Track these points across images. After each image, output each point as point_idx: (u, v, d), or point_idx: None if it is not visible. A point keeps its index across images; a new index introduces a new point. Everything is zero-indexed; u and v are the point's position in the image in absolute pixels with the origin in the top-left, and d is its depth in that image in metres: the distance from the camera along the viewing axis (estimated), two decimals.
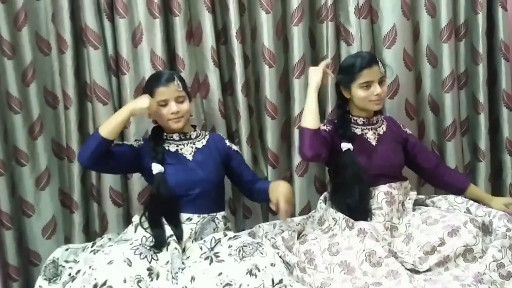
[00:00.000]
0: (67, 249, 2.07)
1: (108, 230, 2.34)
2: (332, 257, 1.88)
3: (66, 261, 2.02)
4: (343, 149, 2.08)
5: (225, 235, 2.01)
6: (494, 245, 1.84)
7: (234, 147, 2.21)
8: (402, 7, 2.44)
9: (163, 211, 1.98)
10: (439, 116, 2.56)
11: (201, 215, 2.02)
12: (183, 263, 1.87)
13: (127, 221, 2.34)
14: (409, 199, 2.15)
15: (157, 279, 1.80)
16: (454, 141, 2.53)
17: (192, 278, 1.79)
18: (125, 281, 1.70)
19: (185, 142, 2.10)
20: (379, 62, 2.11)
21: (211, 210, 2.05)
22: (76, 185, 2.37)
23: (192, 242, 1.99)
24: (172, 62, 2.39)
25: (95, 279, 1.70)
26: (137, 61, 2.34)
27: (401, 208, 2.10)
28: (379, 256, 1.83)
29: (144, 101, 1.98)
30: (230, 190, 2.43)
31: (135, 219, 2.06)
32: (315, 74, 2.09)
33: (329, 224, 2.06)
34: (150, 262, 1.82)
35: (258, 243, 1.87)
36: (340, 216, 2.01)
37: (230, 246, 1.87)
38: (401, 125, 2.29)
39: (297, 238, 2.05)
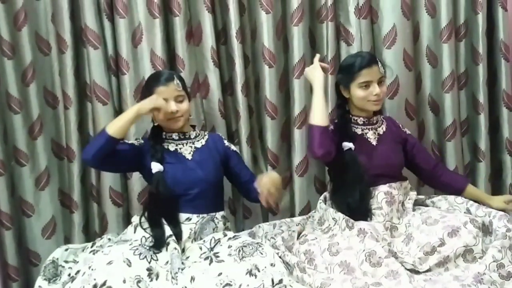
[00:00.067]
0: (66, 249, 2.07)
1: (108, 230, 2.34)
2: (332, 257, 1.88)
3: (66, 261, 2.02)
4: (345, 149, 2.07)
5: (225, 235, 2.01)
6: (494, 246, 1.84)
7: (233, 147, 2.21)
8: (402, 7, 2.43)
9: (162, 210, 1.98)
10: (439, 116, 2.56)
11: (200, 215, 2.02)
12: (182, 263, 1.87)
13: (127, 221, 2.34)
14: (409, 199, 2.15)
15: (156, 279, 1.79)
16: (454, 141, 2.52)
17: (192, 278, 1.78)
18: (124, 281, 1.70)
19: (184, 141, 2.10)
20: (379, 62, 2.11)
21: (210, 210, 2.05)
22: (76, 185, 2.37)
23: (192, 242, 1.99)
24: (172, 62, 2.39)
25: (94, 279, 1.70)
26: (137, 61, 2.34)
27: (401, 208, 2.10)
28: (379, 256, 1.83)
29: (152, 97, 1.97)
30: (230, 190, 2.43)
31: (135, 219, 2.06)
32: (315, 70, 2.10)
33: (329, 224, 2.06)
34: (149, 262, 1.82)
35: (258, 243, 1.87)
36: (340, 216, 2.01)
37: (230, 246, 1.87)
38: (400, 125, 2.29)
39: (297, 238, 2.05)
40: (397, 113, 2.45)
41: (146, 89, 2.08)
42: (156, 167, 2.00)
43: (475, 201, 2.12)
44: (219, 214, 2.08)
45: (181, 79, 2.09)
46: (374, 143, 2.15)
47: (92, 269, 1.73)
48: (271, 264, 1.77)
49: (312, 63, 2.46)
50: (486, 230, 1.95)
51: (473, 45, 2.54)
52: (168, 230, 1.94)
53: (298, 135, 2.43)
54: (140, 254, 1.82)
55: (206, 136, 2.16)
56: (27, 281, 2.39)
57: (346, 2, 2.44)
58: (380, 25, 2.47)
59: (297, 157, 2.44)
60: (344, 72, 2.13)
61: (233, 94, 2.44)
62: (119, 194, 2.38)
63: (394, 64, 2.44)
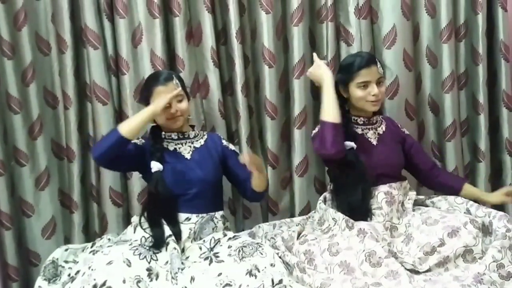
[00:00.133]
0: (66, 250, 2.07)
1: (108, 231, 2.34)
2: (332, 257, 1.88)
3: (66, 262, 2.03)
4: (347, 148, 2.07)
5: (225, 235, 2.01)
6: (494, 246, 1.84)
7: (232, 146, 2.20)
8: (402, 7, 2.43)
9: (162, 210, 1.98)
10: (439, 117, 2.56)
11: (200, 215, 2.02)
12: (182, 263, 1.87)
13: (126, 221, 2.34)
14: (408, 199, 2.15)
15: (156, 279, 1.80)
16: (454, 141, 2.52)
17: (192, 279, 1.78)
18: (124, 281, 1.70)
19: (184, 141, 2.10)
20: (378, 63, 2.11)
21: (210, 209, 2.05)
22: (75, 185, 2.37)
23: (191, 242, 1.99)
24: (172, 63, 2.39)
25: (94, 279, 1.70)
26: (137, 61, 2.34)
27: (401, 208, 2.10)
28: (379, 257, 1.83)
29: (163, 97, 1.97)
30: (230, 190, 2.43)
31: (135, 219, 2.07)
32: (320, 68, 2.08)
33: (329, 225, 2.06)
34: (149, 263, 1.82)
35: (258, 243, 1.87)
36: (340, 216, 2.01)
37: (229, 247, 1.87)
38: (399, 125, 2.29)
39: (297, 239, 2.05)
40: (397, 114, 2.45)
41: (145, 89, 2.08)
42: (155, 166, 2.00)
43: (475, 201, 2.12)
44: (218, 214, 2.08)
45: (180, 79, 2.09)
46: (375, 142, 2.15)
47: (92, 269, 1.74)
48: (271, 264, 1.77)
49: (312, 62, 2.46)
50: (486, 230, 1.95)
51: (473, 45, 2.54)
52: (167, 230, 1.94)
53: (298, 135, 2.43)
54: (140, 254, 1.82)
55: (205, 136, 2.16)
56: (27, 281, 2.39)
57: (346, 2, 2.44)
58: (380, 25, 2.47)
59: (297, 157, 2.44)
60: (343, 72, 2.13)
61: (233, 94, 2.44)
62: (119, 194, 2.38)
63: (394, 64, 2.44)
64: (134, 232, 2.00)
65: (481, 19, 2.49)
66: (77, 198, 2.37)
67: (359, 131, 2.15)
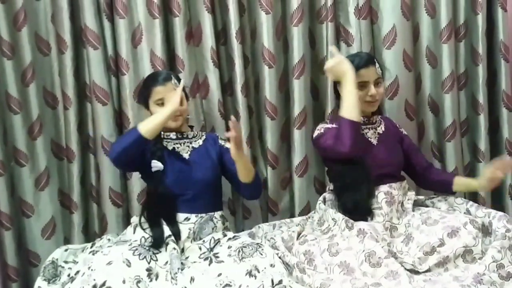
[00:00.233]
0: (66, 250, 2.07)
1: (108, 231, 2.34)
2: (332, 257, 1.88)
3: (66, 262, 2.03)
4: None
5: (225, 235, 2.01)
6: (494, 246, 1.84)
7: (228, 144, 2.18)
8: (402, 7, 2.43)
9: (161, 210, 1.98)
10: (438, 117, 2.56)
11: (199, 215, 2.02)
12: (182, 263, 1.87)
13: (126, 221, 2.34)
14: (408, 200, 2.15)
15: (156, 279, 1.80)
16: (454, 141, 2.52)
17: (192, 279, 1.78)
18: (124, 281, 1.70)
19: (182, 141, 2.10)
20: (376, 63, 2.11)
21: (209, 209, 2.05)
22: (75, 186, 2.37)
23: (191, 242, 1.99)
24: (172, 63, 2.39)
25: (94, 279, 1.70)
26: (137, 62, 2.34)
27: (400, 209, 2.10)
28: (379, 257, 1.83)
29: (174, 94, 1.97)
30: (230, 191, 2.43)
31: (134, 220, 2.07)
32: (344, 64, 1.99)
33: (329, 225, 2.06)
34: (149, 263, 1.82)
35: (257, 243, 1.87)
36: (339, 216, 2.01)
37: (229, 247, 1.87)
38: (397, 125, 2.29)
39: (297, 239, 2.05)
40: (396, 114, 2.45)
41: (144, 89, 2.08)
42: (156, 165, 2.00)
43: (475, 201, 2.12)
44: (217, 214, 2.08)
45: (178, 79, 2.09)
46: (375, 142, 2.15)
47: (91, 270, 1.74)
48: (271, 265, 1.77)
49: (312, 63, 2.47)
50: (485, 230, 1.95)
51: (473, 45, 2.54)
52: (167, 230, 1.94)
53: (298, 135, 2.43)
54: (139, 254, 1.82)
55: (204, 137, 2.16)
56: (27, 281, 2.38)
57: (346, 3, 2.44)
58: (380, 26, 2.47)
59: (297, 157, 2.44)
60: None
61: (233, 94, 2.44)
62: (119, 194, 2.38)
63: (394, 64, 2.44)
64: (134, 232, 2.01)
65: (481, 19, 2.49)
66: (76, 199, 2.37)
67: None
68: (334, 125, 2.12)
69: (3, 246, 2.33)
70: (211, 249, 1.94)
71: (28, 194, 2.37)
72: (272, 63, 2.39)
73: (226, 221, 2.13)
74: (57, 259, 2.02)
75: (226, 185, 2.19)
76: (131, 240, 1.96)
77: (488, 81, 2.55)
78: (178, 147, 2.09)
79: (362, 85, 2.07)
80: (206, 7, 2.35)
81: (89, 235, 2.41)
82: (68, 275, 1.90)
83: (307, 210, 2.43)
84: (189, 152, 2.09)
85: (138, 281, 1.73)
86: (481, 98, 2.52)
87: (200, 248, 1.96)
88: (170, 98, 1.98)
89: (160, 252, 1.90)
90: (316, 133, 2.13)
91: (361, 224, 1.96)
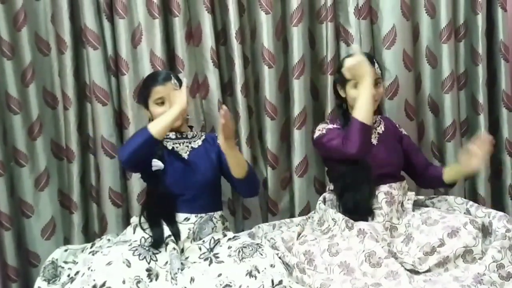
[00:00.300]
0: (66, 250, 2.07)
1: (108, 231, 2.34)
2: (332, 257, 1.88)
3: (65, 262, 2.03)
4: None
5: (224, 235, 2.01)
6: (494, 246, 1.84)
7: None
8: (401, 7, 2.43)
9: (161, 210, 1.98)
10: (438, 117, 2.56)
11: (199, 215, 2.02)
12: (182, 263, 1.87)
13: (126, 221, 2.34)
14: (408, 200, 2.15)
15: (156, 279, 1.79)
16: (454, 141, 2.52)
17: (192, 279, 1.78)
18: (124, 282, 1.70)
19: (181, 141, 2.10)
20: (376, 64, 2.11)
21: (208, 209, 2.05)
22: (75, 186, 2.37)
23: (191, 242, 1.99)
24: (172, 63, 2.39)
25: (94, 280, 1.70)
26: (137, 62, 2.34)
27: (400, 209, 2.10)
28: (379, 257, 1.83)
29: (180, 93, 1.97)
30: (230, 191, 2.43)
31: (134, 220, 2.06)
32: (366, 65, 1.97)
33: (329, 225, 2.06)
34: (149, 263, 1.81)
35: (257, 244, 1.87)
36: (339, 216, 2.01)
37: (229, 247, 1.87)
38: (397, 125, 2.29)
39: (297, 239, 2.05)
40: (396, 114, 2.45)
41: (143, 89, 2.08)
42: (157, 164, 1.99)
43: (474, 201, 2.11)
44: (217, 214, 2.07)
45: (178, 79, 2.09)
46: (375, 142, 2.15)
47: (91, 270, 1.73)
48: (271, 265, 1.77)
49: (312, 63, 2.47)
50: (485, 230, 1.95)
51: (473, 45, 2.54)
52: (167, 230, 1.94)
53: (297, 135, 2.43)
54: (139, 254, 1.82)
55: (203, 137, 2.16)
56: (27, 281, 2.38)
57: (346, 3, 2.44)
58: (380, 26, 2.47)
59: (297, 157, 2.43)
60: (341, 71, 2.13)
61: (233, 94, 2.44)
62: (119, 194, 2.37)
63: (394, 64, 2.44)
64: (134, 232, 2.00)
65: (480, 19, 2.49)
66: (76, 199, 2.37)
67: None
68: (335, 125, 2.13)
69: (3, 246, 2.32)
70: (211, 249, 1.94)
71: (28, 194, 2.37)
72: (272, 63, 2.39)
73: (226, 221, 2.13)
74: (57, 259, 2.02)
75: (226, 185, 2.19)
76: (131, 240, 1.96)
77: (488, 81, 2.55)
78: (177, 147, 2.08)
79: None
80: (206, 7, 2.35)
81: (89, 235, 2.41)
82: (68, 276, 1.90)
83: (307, 210, 2.43)
84: (188, 152, 2.09)
85: (138, 282, 1.73)
86: (481, 98, 2.52)
87: (200, 248, 1.96)
88: (174, 98, 1.97)
89: (160, 252, 1.90)
90: (317, 133, 2.13)
91: (361, 224, 1.96)
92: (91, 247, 2.05)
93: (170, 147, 2.07)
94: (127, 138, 2.31)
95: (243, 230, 2.36)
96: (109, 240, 2.10)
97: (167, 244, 1.91)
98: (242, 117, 2.39)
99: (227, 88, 2.47)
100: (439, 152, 2.57)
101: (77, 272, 1.80)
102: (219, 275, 1.77)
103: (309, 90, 2.47)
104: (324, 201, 2.16)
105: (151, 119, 2.09)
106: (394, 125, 2.28)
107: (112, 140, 2.34)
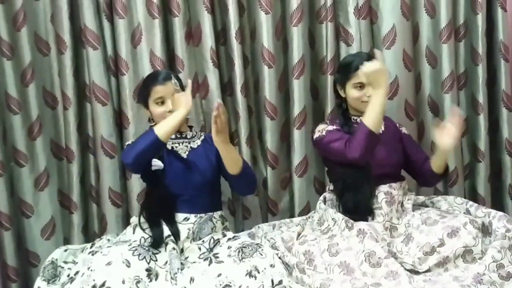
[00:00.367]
0: (66, 250, 2.07)
1: (107, 231, 2.34)
2: (332, 257, 1.88)
3: (65, 262, 2.03)
4: None
5: (224, 235, 2.01)
6: (494, 246, 1.84)
7: None
8: (401, 7, 2.43)
9: (160, 209, 1.98)
10: (438, 117, 2.55)
11: (198, 215, 2.02)
12: (182, 263, 1.87)
13: (126, 222, 2.34)
14: (408, 200, 2.15)
15: (156, 279, 1.80)
16: None
17: (191, 279, 1.78)
18: (123, 282, 1.70)
19: (181, 141, 2.10)
20: None
21: (208, 209, 2.05)
22: (75, 186, 2.37)
23: (191, 242, 1.99)
24: (171, 63, 2.39)
25: (93, 280, 1.70)
26: (136, 62, 2.34)
27: (400, 209, 2.10)
28: (379, 257, 1.83)
29: (184, 94, 1.97)
30: (230, 191, 2.43)
31: (134, 220, 2.06)
32: (386, 75, 1.96)
33: (329, 225, 2.06)
34: (149, 263, 1.81)
35: (257, 244, 1.87)
36: (339, 216, 2.01)
37: (229, 247, 1.87)
38: (397, 124, 2.29)
39: (297, 239, 2.05)
40: (396, 114, 2.45)
41: (143, 88, 2.08)
42: (156, 164, 1.99)
43: (475, 202, 2.11)
44: (217, 214, 2.08)
45: (178, 79, 2.09)
46: None
47: (91, 270, 1.74)
48: (271, 265, 1.77)
49: (311, 63, 2.47)
50: (485, 230, 1.95)
51: (473, 45, 2.54)
52: (166, 230, 1.94)
53: (297, 135, 2.42)
54: (139, 254, 1.82)
55: (202, 137, 2.16)
56: (26, 282, 2.38)
57: (346, 3, 2.44)
58: (380, 26, 2.47)
59: (297, 157, 2.43)
60: (341, 71, 2.14)
61: (233, 94, 2.44)
62: (119, 194, 2.37)
63: (394, 64, 2.44)
64: (134, 232, 2.00)
65: (480, 19, 2.48)
66: (76, 199, 2.37)
67: None
68: (335, 127, 2.12)
69: (2, 246, 2.32)
70: (211, 249, 1.94)
71: (27, 194, 2.37)
72: (271, 63, 2.39)
73: (225, 221, 2.13)
74: (56, 260, 2.02)
75: (226, 185, 2.19)
76: (131, 240, 1.96)
77: (488, 81, 2.54)
78: (176, 147, 2.08)
79: (360, 86, 2.08)
80: (205, 7, 2.35)
81: (89, 235, 2.41)
82: (68, 276, 1.90)
83: (307, 210, 2.43)
84: (187, 152, 2.09)
85: (138, 282, 1.73)
86: (481, 98, 2.52)
87: (199, 248, 1.96)
88: (180, 101, 1.97)
89: (160, 252, 1.90)
90: (317, 134, 2.13)
91: (361, 224, 1.96)
92: (90, 247, 2.06)
93: (169, 147, 2.07)
94: (127, 138, 2.31)
95: (243, 230, 2.36)
96: (109, 240, 2.10)
97: (166, 244, 1.91)
98: (242, 117, 2.39)
99: (227, 88, 2.47)
100: None
101: (77, 272, 1.80)
102: (219, 275, 1.77)
103: (309, 90, 2.47)
104: (324, 201, 2.16)
105: (151, 119, 2.09)
106: (394, 124, 2.28)
107: (111, 140, 2.34)
